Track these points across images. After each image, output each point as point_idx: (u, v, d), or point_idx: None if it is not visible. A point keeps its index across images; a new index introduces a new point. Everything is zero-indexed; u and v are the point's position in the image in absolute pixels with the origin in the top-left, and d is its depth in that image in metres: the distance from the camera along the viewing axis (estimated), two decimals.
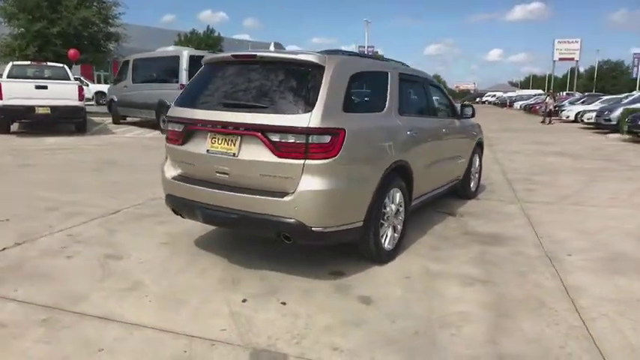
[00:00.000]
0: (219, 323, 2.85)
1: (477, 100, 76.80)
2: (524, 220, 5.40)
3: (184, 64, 12.97)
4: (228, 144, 3.39)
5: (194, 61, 13.18)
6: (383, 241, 3.81)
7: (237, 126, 3.31)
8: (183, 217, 3.90)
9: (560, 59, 58.69)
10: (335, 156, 3.19)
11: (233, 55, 3.65)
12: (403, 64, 4.80)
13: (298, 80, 3.36)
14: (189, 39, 48.56)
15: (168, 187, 3.83)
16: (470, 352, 2.61)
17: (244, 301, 3.16)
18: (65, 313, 2.90)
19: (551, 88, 52.84)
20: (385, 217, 3.80)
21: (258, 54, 3.52)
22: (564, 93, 49.80)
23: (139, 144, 11.80)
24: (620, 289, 3.48)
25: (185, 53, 13.16)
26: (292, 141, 3.15)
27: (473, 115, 5.81)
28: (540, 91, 57.09)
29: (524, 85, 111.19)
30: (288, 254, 4.00)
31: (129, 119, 16.72)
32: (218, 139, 3.44)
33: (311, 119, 3.13)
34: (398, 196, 3.98)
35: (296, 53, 3.48)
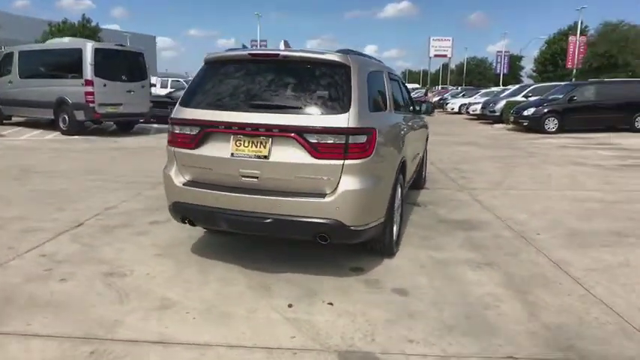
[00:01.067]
0: (284, 331, 2.79)
1: None
2: (479, 206, 5.94)
3: (89, 57, 11.76)
4: (257, 146, 3.27)
5: (99, 55, 12.07)
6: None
7: (269, 128, 3.21)
8: (194, 225, 3.66)
9: (435, 56, 64.00)
10: (370, 155, 3.26)
11: (251, 54, 3.50)
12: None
13: (327, 80, 3.35)
14: (61, 29, 43.76)
15: (176, 195, 3.57)
16: (523, 327, 2.89)
17: (290, 306, 3.11)
18: (111, 343, 2.61)
19: (428, 82, 57.43)
20: (393, 212, 3.96)
21: (282, 52, 3.43)
22: (439, 87, 54.35)
23: (45, 147, 10.50)
24: (595, 260, 4.06)
25: (89, 46, 11.93)
26: (331, 142, 3.15)
27: (430, 112, 6.22)
28: (417, 85, 61.44)
29: None
30: (296, 255, 3.99)
31: (14, 119, 14.74)
32: (244, 142, 3.30)
33: (349, 119, 3.17)
34: (399, 190, 4.17)
35: (319, 52, 3.46)
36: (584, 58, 33.51)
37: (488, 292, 3.39)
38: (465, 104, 26.65)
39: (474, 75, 69.28)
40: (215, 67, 3.67)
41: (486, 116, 20.63)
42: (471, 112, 23.38)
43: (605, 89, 15.59)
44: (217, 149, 3.38)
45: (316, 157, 3.17)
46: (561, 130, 15.22)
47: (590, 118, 15.13)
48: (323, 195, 3.23)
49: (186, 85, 15.48)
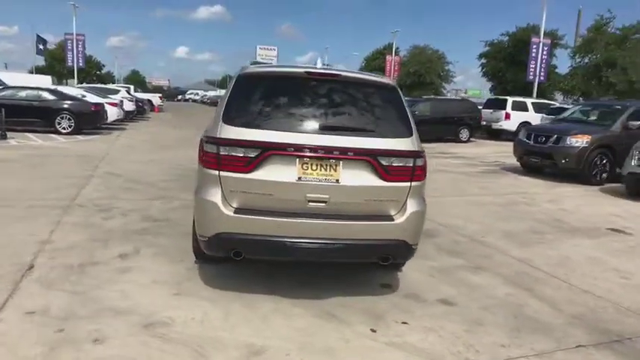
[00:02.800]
0: (399, 356, 2.83)
1: (180, 98, 75.70)
2: None
3: None
4: (327, 170, 3.17)
5: None
6: None
7: (344, 151, 3.14)
8: (237, 257, 3.27)
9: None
10: (426, 177, 3.46)
11: (308, 72, 3.34)
12: None
13: (385, 103, 3.44)
14: None
15: (224, 225, 3.17)
16: (561, 320, 3.44)
17: (374, 330, 3.12)
18: None
19: None
20: None
21: (342, 73, 3.38)
22: None
23: None
24: (545, 256, 4.94)
25: None
26: (402, 165, 3.26)
27: None
28: None
29: (223, 84, 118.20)
30: (316, 278, 3.95)
31: None
32: (311, 165, 3.16)
33: (415, 143, 3.32)
34: None
35: (373, 75, 3.55)
36: (399, 76, 38.69)
37: (507, 293, 3.90)
38: None
39: None
40: (260, 83, 3.40)
41: None
42: None
43: (437, 105, 18.38)
44: (280, 173, 3.15)
45: (386, 180, 3.24)
46: None
47: (427, 129, 17.58)
48: (389, 216, 3.30)
49: None
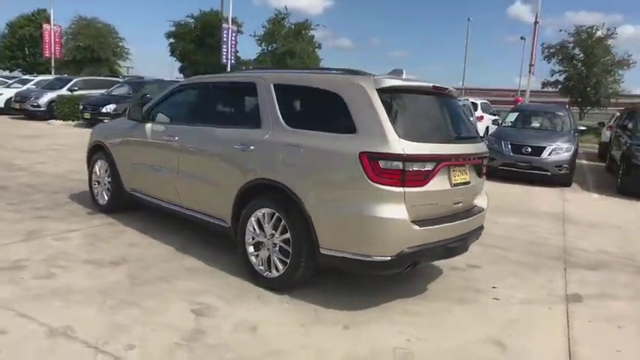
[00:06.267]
0: (540, 309, 3.66)
1: None
2: None
3: None
4: (463, 174, 3.58)
5: None
6: None
7: (475, 156, 3.67)
8: (406, 268, 3.27)
9: None
10: None
11: (435, 87, 3.55)
12: None
13: (462, 111, 3.98)
14: None
15: (412, 240, 3.20)
16: (530, 257, 4.96)
17: (497, 299, 3.80)
18: None
19: None
20: None
21: (448, 87, 3.69)
22: None
23: None
24: None
25: None
26: (485, 163, 3.97)
27: None
28: None
29: None
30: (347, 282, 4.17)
31: None
32: (457, 172, 3.50)
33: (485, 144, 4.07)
34: None
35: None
36: (66, 50, 33.24)
37: (480, 250, 5.12)
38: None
39: None
40: (401, 96, 3.41)
41: (28, 111, 17.87)
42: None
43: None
44: (441, 182, 3.38)
45: (481, 177, 3.90)
46: None
47: None
48: (480, 207, 3.97)
49: None
